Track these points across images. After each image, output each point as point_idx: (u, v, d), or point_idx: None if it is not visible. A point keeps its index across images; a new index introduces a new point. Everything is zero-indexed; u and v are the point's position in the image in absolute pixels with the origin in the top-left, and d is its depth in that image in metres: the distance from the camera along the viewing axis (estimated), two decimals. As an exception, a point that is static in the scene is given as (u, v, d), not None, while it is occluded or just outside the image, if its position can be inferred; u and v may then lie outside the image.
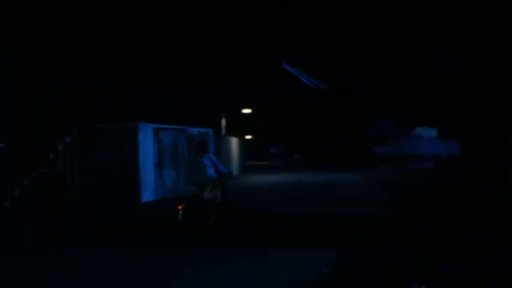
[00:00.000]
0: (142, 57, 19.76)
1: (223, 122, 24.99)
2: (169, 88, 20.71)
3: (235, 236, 8.51)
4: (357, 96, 34.52)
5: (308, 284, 5.68)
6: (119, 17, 18.72)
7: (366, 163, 31.34)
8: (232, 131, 28.48)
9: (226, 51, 22.05)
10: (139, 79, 19.43)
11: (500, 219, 9.54)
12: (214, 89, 22.47)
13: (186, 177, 9.54)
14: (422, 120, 34.74)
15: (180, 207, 8.68)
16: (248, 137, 46.43)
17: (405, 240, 7.84)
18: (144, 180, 13.80)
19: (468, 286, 5.50)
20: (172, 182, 15.45)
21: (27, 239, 8.94)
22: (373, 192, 15.46)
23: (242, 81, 23.70)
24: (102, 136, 13.59)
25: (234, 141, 26.70)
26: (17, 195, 12.16)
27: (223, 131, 24.45)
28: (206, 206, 8.91)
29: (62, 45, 16.96)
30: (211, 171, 9.03)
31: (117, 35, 19.10)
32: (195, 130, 17.48)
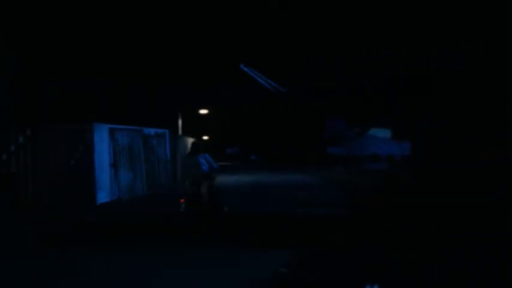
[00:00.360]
0: (97, 57, 19.46)
1: (180, 122, 24.89)
2: (126, 88, 20.48)
3: (201, 236, 8.68)
4: (314, 97, 35.01)
5: (268, 284, 5.81)
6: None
7: (320, 164, 31.88)
8: (189, 131, 28.40)
9: (183, 50, 21.97)
10: (96, 78, 19.13)
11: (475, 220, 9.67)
12: (170, 89, 22.37)
13: (181, 175, 10.36)
14: (377, 120, 35.50)
15: (182, 200, 9.73)
16: (205, 137, 46.33)
17: (359, 240, 8.11)
18: (100, 180, 13.65)
19: (423, 286, 5.64)
20: (128, 182, 15.33)
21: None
22: (328, 193, 15.81)
23: (199, 82, 23.67)
24: (57, 136, 13.34)
25: (190, 142, 26.59)
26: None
27: (180, 132, 24.36)
28: (204, 200, 9.74)
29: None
30: (205, 169, 9.91)
31: (72, 33, 18.73)
32: (152, 131, 17.40)
